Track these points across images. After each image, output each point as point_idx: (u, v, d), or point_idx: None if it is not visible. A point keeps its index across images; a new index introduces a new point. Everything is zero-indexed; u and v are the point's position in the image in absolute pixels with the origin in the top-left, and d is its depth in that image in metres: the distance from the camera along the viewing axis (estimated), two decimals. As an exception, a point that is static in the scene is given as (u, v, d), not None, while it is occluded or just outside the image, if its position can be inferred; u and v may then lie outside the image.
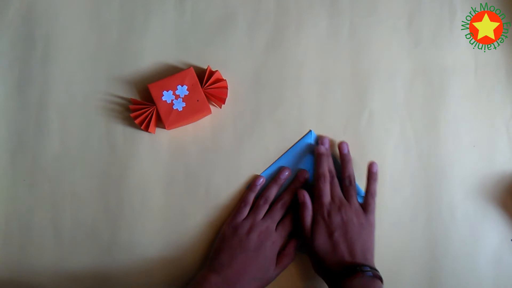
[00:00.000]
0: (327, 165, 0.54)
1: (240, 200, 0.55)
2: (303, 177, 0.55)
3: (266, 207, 0.54)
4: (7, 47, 0.56)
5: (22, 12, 0.57)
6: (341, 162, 0.55)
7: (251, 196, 0.55)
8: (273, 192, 0.55)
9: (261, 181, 0.55)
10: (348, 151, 0.56)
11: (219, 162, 0.56)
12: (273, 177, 0.56)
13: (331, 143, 0.57)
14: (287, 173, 0.55)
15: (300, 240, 0.54)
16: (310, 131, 0.57)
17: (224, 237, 0.52)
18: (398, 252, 0.56)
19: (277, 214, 0.54)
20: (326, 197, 0.52)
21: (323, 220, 0.51)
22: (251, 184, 0.55)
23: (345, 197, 0.53)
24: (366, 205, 0.53)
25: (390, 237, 0.56)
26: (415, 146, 0.58)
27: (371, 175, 0.55)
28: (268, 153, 0.56)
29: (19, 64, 0.56)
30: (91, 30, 0.57)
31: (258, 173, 0.56)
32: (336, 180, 0.54)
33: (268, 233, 0.52)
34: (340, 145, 0.56)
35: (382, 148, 0.57)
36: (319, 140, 0.56)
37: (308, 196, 0.53)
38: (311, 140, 0.57)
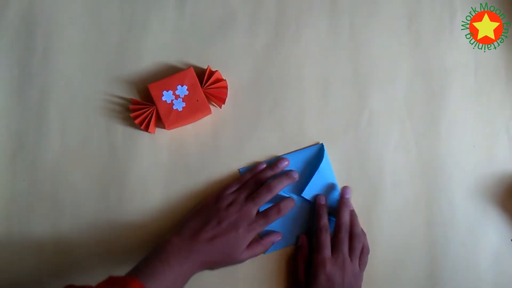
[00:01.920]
0: (326, 217, 0.54)
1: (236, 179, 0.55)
2: (295, 175, 0.55)
3: (254, 188, 0.53)
4: (7, 47, 0.56)
5: (22, 12, 0.57)
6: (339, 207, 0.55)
7: (246, 177, 0.55)
8: (266, 176, 0.54)
9: (263, 167, 0.55)
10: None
11: (219, 162, 0.56)
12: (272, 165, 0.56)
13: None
14: (286, 163, 0.55)
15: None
16: (322, 144, 0.56)
17: (205, 204, 0.53)
18: (398, 252, 0.56)
19: (261, 198, 0.52)
20: (328, 251, 0.52)
21: (324, 275, 0.50)
22: (252, 168, 0.55)
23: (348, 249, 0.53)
24: (361, 262, 0.53)
25: (390, 237, 0.56)
26: (415, 146, 0.58)
27: (363, 233, 0.55)
28: (268, 153, 0.56)
29: (19, 64, 0.56)
30: (91, 30, 0.57)
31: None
32: (347, 235, 0.53)
33: (247, 215, 0.51)
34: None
35: (382, 148, 0.57)
36: (342, 189, 0.56)
37: (307, 241, 0.54)
38: (316, 152, 0.56)
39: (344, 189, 0.56)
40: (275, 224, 0.55)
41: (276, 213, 0.53)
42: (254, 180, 0.54)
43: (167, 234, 0.51)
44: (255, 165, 0.55)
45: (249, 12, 0.58)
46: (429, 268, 0.56)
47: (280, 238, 0.54)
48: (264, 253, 0.55)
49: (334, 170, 0.56)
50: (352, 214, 0.55)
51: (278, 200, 0.54)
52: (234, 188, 0.54)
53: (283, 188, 0.54)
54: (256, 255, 0.53)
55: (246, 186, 0.53)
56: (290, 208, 0.54)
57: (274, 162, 0.55)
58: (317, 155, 0.56)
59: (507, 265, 0.57)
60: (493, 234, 0.57)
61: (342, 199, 0.55)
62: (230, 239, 0.50)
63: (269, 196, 0.52)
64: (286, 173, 0.54)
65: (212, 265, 0.50)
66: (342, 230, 0.53)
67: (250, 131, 0.57)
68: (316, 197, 0.55)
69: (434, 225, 0.57)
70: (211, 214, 0.51)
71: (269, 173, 0.54)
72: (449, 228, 0.57)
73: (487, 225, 0.57)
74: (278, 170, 0.55)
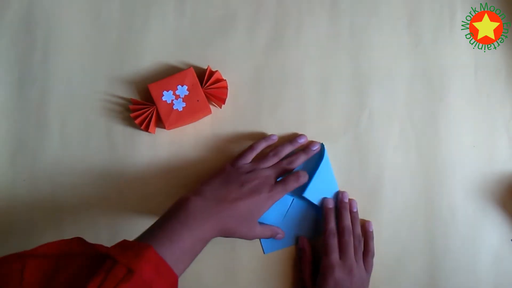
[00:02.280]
0: (334, 221, 0.54)
1: (248, 146, 0.54)
2: (315, 147, 0.55)
3: (275, 160, 0.53)
4: (7, 47, 0.56)
5: (22, 12, 0.57)
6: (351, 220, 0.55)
7: (261, 145, 0.54)
8: (286, 150, 0.54)
9: (275, 138, 0.55)
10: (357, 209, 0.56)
11: (219, 162, 0.56)
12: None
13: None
14: (303, 139, 0.55)
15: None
16: (322, 144, 0.56)
17: (223, 170, 0.51)
18: (398, 252, 0.56)
19: (281, 169, 0.52)
20: (336, 255, 0.52)
21: (333, 280, 0.50)
22: (265, 137, 0.55)
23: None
24: (367, 265, 0.53)
25: (390, 237, 0.56)
26: (415, 146, 0.58)
27: (368, 234, 0.55)
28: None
29: (19, 64, 0.56)
30: (91, 30, 0.57)
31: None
32: (351, 238, 0.53)
33: (267, 182, 0.50)
34: (351, 203, 0.56)
35: (382, 148, 0.57)
36: (339, 194, 0.56)
37: (307, 243, 0.55)
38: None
39: (342, 193, 0.56)
40: (275, 224, 0.55)
41: (295, 180, 0.52)
42: (274, 153, 0.53)
43: (183, 193, 0.48)
44: (269, 135, 0.56)
45: (249, 12, 0.58)
46: (429, 268, 0.56)
47: (283, 235, 0.54)
48: (264, 252, 0.55)
49: (334, 170, 0.56)
50: (353, 216, 0.55)
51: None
52: (249, 158, 0.53)
53: (302, 162, 0.54)
54: (264, 237, 0.52)
55: (266, 158, 0.53)
56: (305, 180, 0.53)
57: (293, 138, 0.56)
58: (317, 154, 0.56)
59: (507, 265, 0.57)
60: (493, 234, 0.57)
61: (342, 203, 0.55)
62: (253, 203, 0.48)
63: (290, 167, 0.53)
64: (304, 149, 0.55)
65: (230, 231, 0.47)
66: (345, 233, 0.53)
67: (250, 131, 0.57)
68: (323, 200, 0.55)
69: (434, 225, 0.57)
70: (231, 178, 0.50)
71: (290, 148, 0.54)
72: (449, 228, 0.57)
73: (487, 225, 0.57)
74: (298, 145, 0.55)
